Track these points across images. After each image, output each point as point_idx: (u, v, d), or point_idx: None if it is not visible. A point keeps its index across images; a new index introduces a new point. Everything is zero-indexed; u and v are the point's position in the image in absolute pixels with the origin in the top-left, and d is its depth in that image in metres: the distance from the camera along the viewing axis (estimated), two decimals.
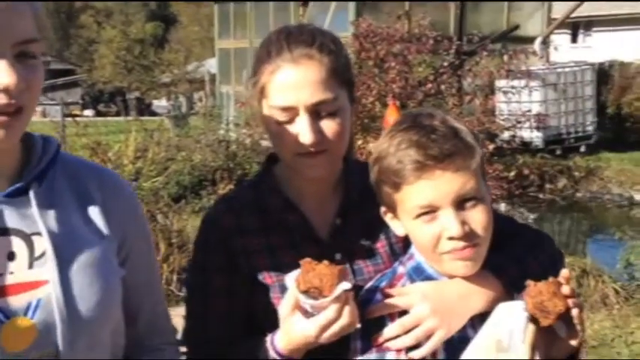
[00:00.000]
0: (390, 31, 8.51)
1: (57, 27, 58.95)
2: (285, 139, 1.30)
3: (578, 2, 12.47)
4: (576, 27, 26.96)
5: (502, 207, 7.87)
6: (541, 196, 10.29)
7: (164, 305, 1.32)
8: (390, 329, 1.24)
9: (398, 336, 1.23)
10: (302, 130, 1.27)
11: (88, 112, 31.93)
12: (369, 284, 1.33)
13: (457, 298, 1.24)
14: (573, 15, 16.06)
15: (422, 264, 1.28)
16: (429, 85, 8.31)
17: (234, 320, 1.35)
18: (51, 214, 1.07)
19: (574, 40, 27.64)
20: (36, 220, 1.04)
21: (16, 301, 1.00)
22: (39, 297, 1.02)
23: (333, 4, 11.87)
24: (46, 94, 37.64)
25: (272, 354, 1.25)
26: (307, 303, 1.15)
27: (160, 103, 30.76)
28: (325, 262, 1.16)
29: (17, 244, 1.03)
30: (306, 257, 1.28)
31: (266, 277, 1.34)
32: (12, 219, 1.04)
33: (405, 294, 1.26)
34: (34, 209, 1.05)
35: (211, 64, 22.47)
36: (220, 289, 1.35)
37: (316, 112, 1.27)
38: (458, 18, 11.66)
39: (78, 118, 10.93)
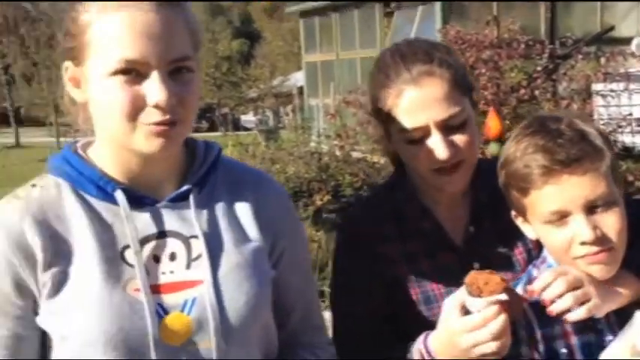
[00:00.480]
0: (479, 37, 8.40)
1: None
2: (420, 157, 1.32)
3: None
4: None
5: None
6: None
7: (317, 303, 1.34)
8: (554, 285, 1.19)
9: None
10: (436, 147, 1.29)
11: None
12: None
13: (603, 285, 1.23)
14: None
15: (554, 266, 1.28)
16: (523, 91, 8.14)
17: (380, 320, 1.39)
18: (208, 218, 1.14)
19: None
20: (193, 224, 1.12)
21: (174, 299, 1.08)
22: (194, 295, 1.09)
23: (419, 13, 11.86)
24: None
25: (424, 353, 1.27)
26: (470, 300, 1.17)
27: (248, 118, 31.43)
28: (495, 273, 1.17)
29: (177, 246, 1.11)
30: (443, 265, 1.34)
31: (407, 285, 1.37)
32: (174, 222, 1.12)
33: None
34: (192, 214, 1.12)
35: (297, 78, 22.81)
36: (364, 290, 1.39)
37: (446, 127, 1.30)
38: (549, 21, 11.36)
39: None
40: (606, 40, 11.49)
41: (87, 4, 1.04)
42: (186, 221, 1.12)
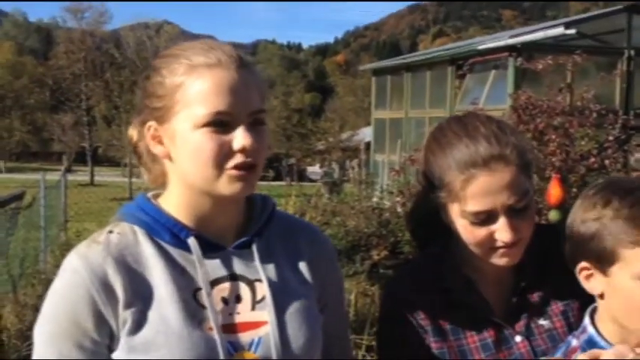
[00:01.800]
0: (551, 104, 8.34)
1: None
2: (479, 237, 1.33)
3: None
4: None
5: None
6: None
7: (351, 350, 1.43)
8: None
9: None
10: (501, 230, 1.31)
11: None
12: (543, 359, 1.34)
13: None
14: None
15: (594, 337, 1.27)
16: (592, 160, 7.99)
17: None
18: (268, 265, 1.23)
19: None
20: (258, 270, 1.21)
21: (243, 338, 1.17)
22: (260, 335, 1.17)
23: (491, 76, 11.88)
24: None
25: None
26: None
27: (314, 170, 31.77)
28: None
29: (243, 289, 1.20)
30: (485, 339, 1.35)
31: (451, 357, 1.36)
32: (239, 267, 1.22)
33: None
34: (256, 260, 1.22)
35: (365, 133, 23.01)
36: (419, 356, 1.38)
37: (512, 210, 1.31)
38: (624, 91, 11.21)
39: None
40: None
41: (174, 69, 1.17)
42: (250, 266, 1.22)
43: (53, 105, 52.07)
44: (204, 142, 1.13)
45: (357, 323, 5.02)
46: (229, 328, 1.17)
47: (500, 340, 1.36)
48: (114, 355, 1.13)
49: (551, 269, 1.40)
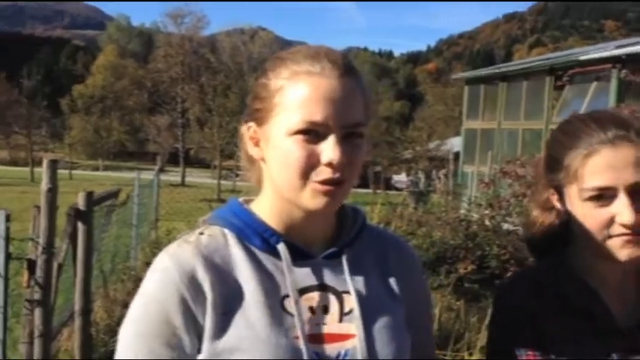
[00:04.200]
0: None
1: None
2: (600, 219, 1.27)
3: None
4: None
5: None
6: None
7: None
8: None
9: None
10: (622, 211, 1.24)
11: None
12: None
13: None
14: None
15: None
16: None
17: None
18: (357, 277, 1.19)
19: None
20: (346, 281, 1.17)
21: (329, 349, 1.13)
22: (347, 348, 1.14)
23: (592, 88, 11.39)
24: None
25: None
26: None
27: (399, 178, 31.61)
28: None
29: (331, 300, 1.17)
30: (610, 350, 1.26)
31: None
32: (328, 277, 1.18)
33: None
34: (345, 271, 1.18)
35: (454, 143, 22.65)
36: None
37: (635, 193, 1.25)
38: None
39: None
40: None
41: (279, 72, 1.16)
42: (339, 278, 1.18)
43: (150, 107, 54.30)
44: (294, 150, 1.10)
45: (440, 338, 4.90)
46: (315, 338, 1.13)
47: (625, 352, 1.27)
48: (199, 356, 1.11)
49: None
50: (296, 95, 1.11)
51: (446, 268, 7.71)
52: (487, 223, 8.96)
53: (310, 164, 1.10)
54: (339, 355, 1.13)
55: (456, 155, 18.19)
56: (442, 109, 44.58)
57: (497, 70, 15.36)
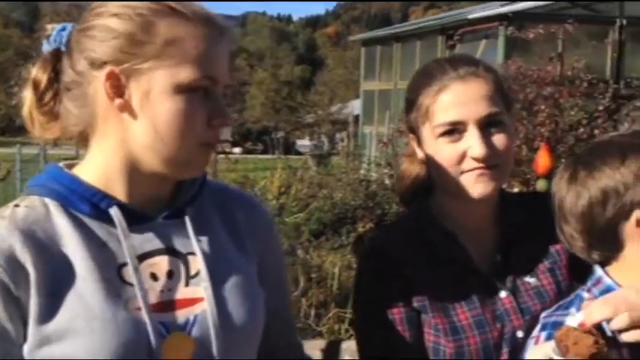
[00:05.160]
0: (541, 74, 8.22)
1: None
2: (451, 158, 1.27)
3: None
4: None
5: None
6: None
7: (294, 322, 1.33)
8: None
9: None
10: (473, 144, 1.25)
11: (236, 150, 33.60)
12: (552, 311, 1.26)
13: None
14: None
15: (612, 286, 1.21)
16: (582, 130, 7.91)
17: (416, 351, 1.31)
18: (203, 236, 1.11)
19: None
20: (191, 241, 1.08)
21: (176, 317, 1.04)
22: (196, 313, 1.05)
23: (482, 46, 11.71)
24: None
25: None
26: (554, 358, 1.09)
27: (303, 143, 31.71)
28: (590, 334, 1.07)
29: (175, 263, 1.07)
30: (470, 291, 1.27)
31: (434, 313, 1.30)
32: (170, 239, 1.09)
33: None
34: (189, 231, 1.09)
35: (355, 106, 22.86)
36: (400, 318, 1.31)
37: (485, 127, 1.26)
38: (615, 61, 11.07)
39: (230, 155, 11.49)
40: None
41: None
42: (183, 238, 1.09)
43: None
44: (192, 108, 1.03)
45: (340, 297, 4.97)
46: (161, 306, 1.03)
47: (485, 294, 1.30)
48: (25, 350, 0.98)
49: (537, 231, 1.34)
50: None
51: (347, 228, 7.79)
52: (387, 182, 9.11)
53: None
54: (187, 321, 1.04)
55: (357, 117, 18.36)
56: (342, 72, 44.80)
57: (392, 31, 15.54)
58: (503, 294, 1.30)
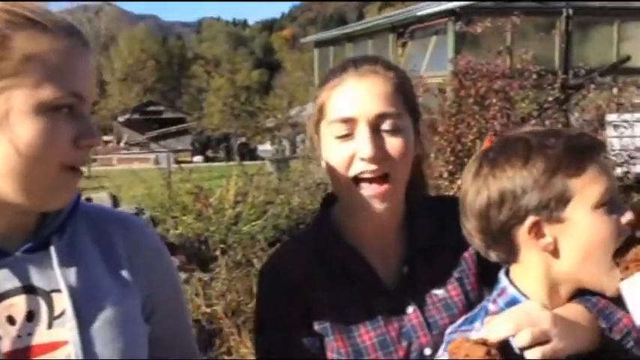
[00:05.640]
0: (491, 68, 8.27)
1: (170, 77, 62.44)
2: (342, 159, 1.19)
3: None
4: None
5: None
6: None
7: (194, 343, 1.25)
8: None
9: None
10: (361, 144, 1.16)
11: (198, 159, 33.31)
12: (457, 326, 1.19)
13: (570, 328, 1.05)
14: None
15: (517, 297, 1.14)
16: (533, 121, 7.96)
17: None
18: (72, 268, 1.00)
19: None
20: (56, 276, 0.98)
21: None
22: (58, 359, 0.95)
23: (432, 42, 11.76)
24: (158, 143, 39.81)
25: None
26: None
27: (265, 148, 31.60)
28: (482, 343, 1.02)
29: (35, 303, 0.96)
30: (375, 311, 1.19)
31: (336, 335, 1.22)
32: (33, 276, 0.97)
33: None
34: (54, 264, 0.98)
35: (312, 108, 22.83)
36: (300, 343, 1.23)
37: (378, 128, 1.18)
38: (563, 51, 11.21)
39: (184, 165, 11.32)
40: (624, 70, 11.28)
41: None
42: (46, 273, 0.98)
43: None
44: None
45: None
46: (18, 354, 0.93)
47: (390, 311, 1.23)
48: None
49: (448, 238, 1.27)
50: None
51: None
52: None
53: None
54: None
55: None
56: (300, 74, 44.81)
57: (343, 32, 15.55)
58: (409, 309, 1.24)
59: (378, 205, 1.20)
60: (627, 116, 8.54)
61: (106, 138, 47.38)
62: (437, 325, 1.23)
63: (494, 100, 7.92)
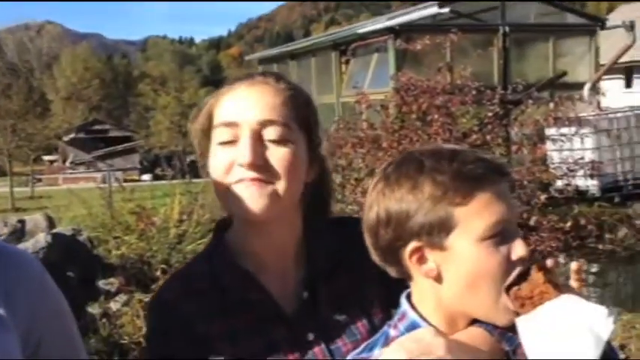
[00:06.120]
0: (431, 84, 8.39)
1: (115, 96, 61.40)
2: (220, 165, 1.15)
3: (625, 48, 12.10)
4: (630, 71, 26.37)
5: (560, 259, 7.47)
6: (600, 246, 9.77)
7: None
8: None
9: None
10: (241, 149, 1.12)
11: (146, 177, 32.74)
12: (357, 354, 1.14)
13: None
14: (627, 59, 15.64)
15: (417, 322, 1.11)
16: (475, 136, 8.10)
17: None
18: None
19: (628, 84, 26.99)
20: None
21: None
22: None
23: (374, 60, 11.88)
24: (104, 162, 39.00)
25: None
26: None
27: None
28: None
29: None
30: (274, 341, 1.14)
31: None
32: None
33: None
34: None
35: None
36: None
37: (262, 138, 1.14)
38: (501, 68, 11.48)
39: (126, 184, 11.09)
40: (561, 86, 11.61)
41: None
42: None
43: None
44: None
45: None
46: None
47: (291, 340, 1.17)
48: None
49: (350, 259, 1.22)
50: None
51: None
52: None
53: None
54: None
55: None
56: None
57: (286, 49, 15.56)
58: (310, 337, 1.18)
59: (255, 206, 1.13)
60: (565, 130, 8.78)
61: (51, 157, 46.16)
62: (340, 352, 1.19)
63: (436, 116, 8.02)
